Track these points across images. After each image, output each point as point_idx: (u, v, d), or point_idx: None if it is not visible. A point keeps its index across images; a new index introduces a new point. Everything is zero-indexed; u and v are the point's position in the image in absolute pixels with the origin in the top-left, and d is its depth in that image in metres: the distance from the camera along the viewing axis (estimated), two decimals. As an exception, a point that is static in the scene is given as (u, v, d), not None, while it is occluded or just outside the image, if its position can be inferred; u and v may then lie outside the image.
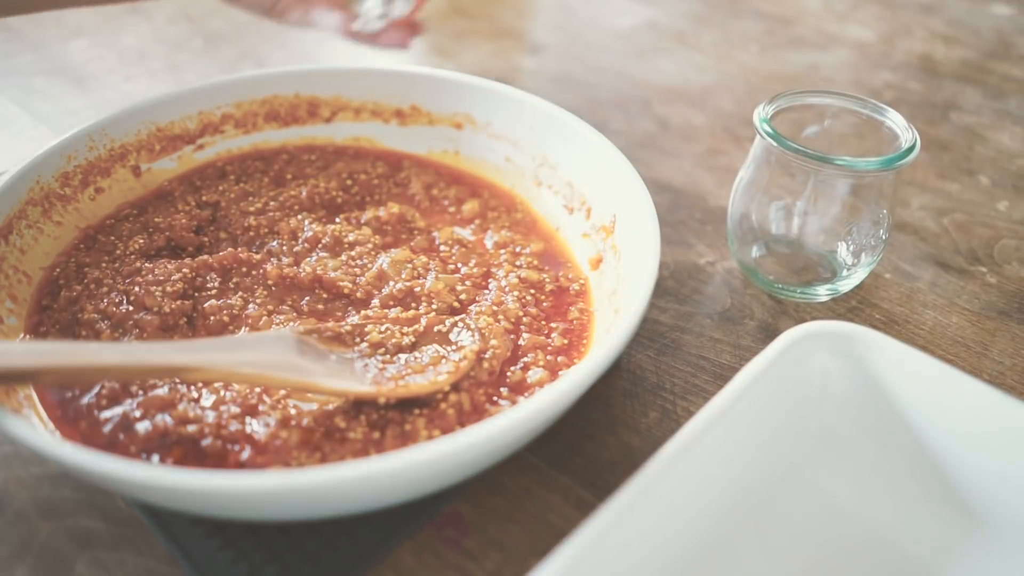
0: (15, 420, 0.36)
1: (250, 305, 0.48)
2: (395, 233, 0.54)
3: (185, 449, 0.40)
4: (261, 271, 0.51)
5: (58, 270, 0.50)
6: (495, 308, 0.48)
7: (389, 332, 0.45)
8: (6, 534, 0.40)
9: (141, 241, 0.52)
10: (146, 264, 0.50)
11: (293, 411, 0.42)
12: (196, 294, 0.49)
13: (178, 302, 0.48)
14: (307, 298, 0.49)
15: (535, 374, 0.44)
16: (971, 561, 0.38)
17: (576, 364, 0.45)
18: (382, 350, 0.44)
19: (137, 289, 0.48)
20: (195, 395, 0.43)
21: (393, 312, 0.47)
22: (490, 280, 0.51)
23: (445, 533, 0.40)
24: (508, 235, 0.54)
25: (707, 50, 0.86)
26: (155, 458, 0.40)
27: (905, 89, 0.78)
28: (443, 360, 0.44)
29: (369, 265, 0.51)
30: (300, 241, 0.53)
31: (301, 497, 0.34)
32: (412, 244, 0.54)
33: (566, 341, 0.47)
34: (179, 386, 0.43)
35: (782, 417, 0.42)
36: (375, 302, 0.49)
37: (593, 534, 0.34)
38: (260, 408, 0.42)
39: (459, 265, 0.52)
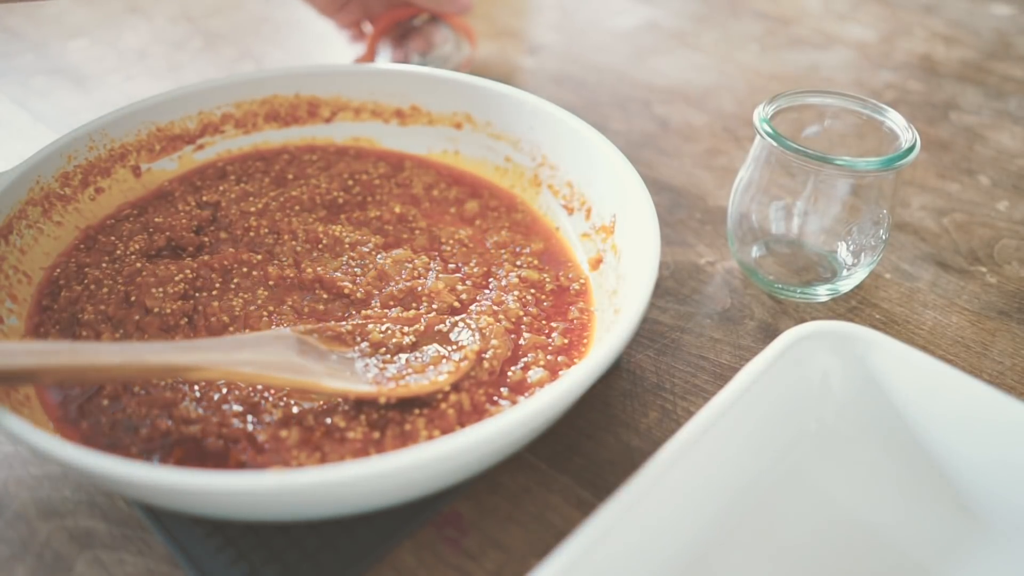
0: (15, 420, 0.36)
1: (250, 306, 0.48)
2: (396, 233, 0.54)
3: (186, 449, 0.40)
4: (262, 271, 0.51)
5: (58, 270, 0.50)
6: (495, 308, 0.48)
7: (390, 332, 0.45)
8: (6, 534, 0.40)
9: (141, 241, 0.52)
10: (147, 264, 0.50)
11: (296, 410, 0.42)
12: (197, 295, 0.49)
13: (179, 303, 0.48)
14: (307, 298, 0.49)
15: (535, 374, 0.44)
16: (971, 561, 0.38)
17: (576, 364, 0.45)
18: (383, 350, 0.44)
19: (138, 290, 0.48)
20: (197, 394, 0.43)
21: (394, 312, 0.47)
22: (490, 280, 0.51)
23: (445, 533, 0.40)
24: (508, 235, 0.54)
25: (707, 50, 0.86)
26: (156, 458, 0.40)
27: (905, 89, 0.78)
28: (444, 360, 0.44)
29: (370, 265, 0.51)
30: (300, 241, 0.53)
31: (301, 497, 0.34)
32: (413, 243, 0.54)
33: (566, 341, 0.47)
34: (181, 386, 0.43)
35: (782, 417, 0.42)
36: (375, 302, 0.49)
37: (593, 534, 0.34)
38: (262, 405, 0.42)
39: (460, 264, 0.52)
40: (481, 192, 0.59)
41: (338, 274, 0.50)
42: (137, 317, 0.47)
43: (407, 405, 0.42)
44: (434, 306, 0.48)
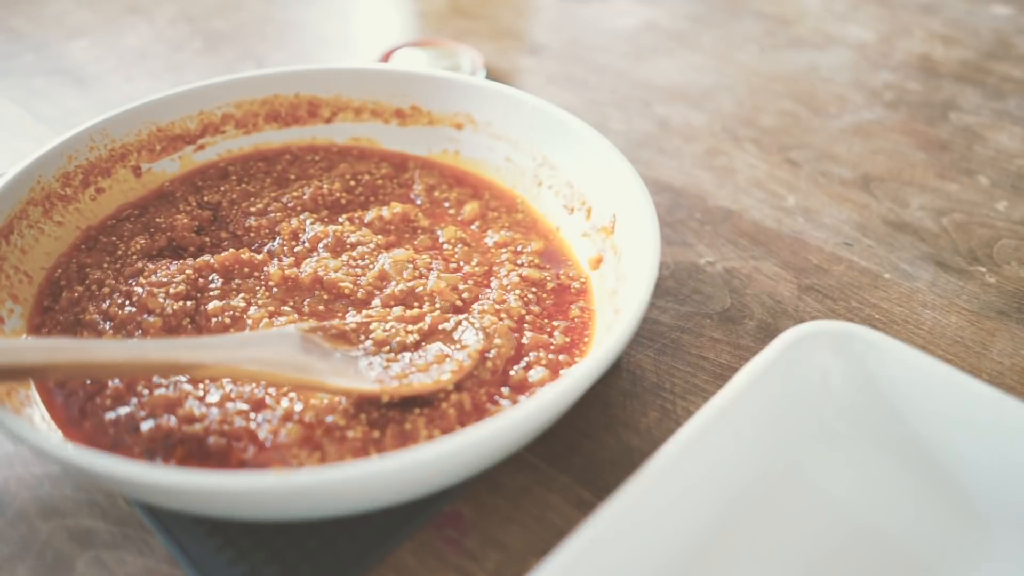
0: (16, 420, 0.36)
1: (251, 307, 0.49)
2: (398, 233, 0.54)
3: (188, 448, 0.40)
4: (263, 272, 0.51)
5: (59, 271, 0.51)
6: (497, 307, 0.48)
7: (394, 330, 0.45)
8: (6, 534, 0.40)
9: (142, 242, 0.52)
10: (148, 265, 0.50)
11: (299, 407, 0.42)
12: (199, 295, 0.49)
13: (180, 303, 0.48)
14: (308, 299, 0.49)
15: (537, 373, 0.44)
16: (970, 560, 0.38)
17: (577, 362, 0.46)
18: (386, 348, 0.45)
19: (139, 290, 0.48)
20: (200, 393, 0.43)
21: (397, 310, 0.47)
22: (492, 279, 0.51)
23: (445, 533, 0.40)
24: (508, 235, 0.55)
25: (707, 50, 0.86)
26: (158, 458, 0.40)
27: (905, 89, 0.78)
28: (447, 359, 0.44)
29: (370, 265, 0.51)
30: (302, 241, 0.53)
31: (301, 497, 0.34)
32: (415, 243, 0.54)
33: (568, 339, 0.47)
34: (184, 385, 0.43)
35: (782, 417, 0.42)
36: (376, 302, 0.49)
37: (593, 534, 0.34)
38: (267, 401, 0.42)
39: (461, 264, 0.52)
40: (482, 193, 0.59)
41: (338, 275, 0.50)
42: (139, 318, 0.47)
43: (408, 404, 0.42)
44: (437, 305, 0.48)
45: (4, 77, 0.80)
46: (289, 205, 0.56)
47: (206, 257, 0.51)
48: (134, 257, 0.51)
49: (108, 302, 0.48)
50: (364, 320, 0.46)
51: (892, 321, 0.53)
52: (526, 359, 0.46)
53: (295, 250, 0.52)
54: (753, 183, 0.65)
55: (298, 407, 0.42)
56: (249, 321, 0.48)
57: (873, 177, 0.66)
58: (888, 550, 0.39)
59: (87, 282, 0.49)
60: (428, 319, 0.46)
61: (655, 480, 0.36)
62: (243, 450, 0.40)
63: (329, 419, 0.41)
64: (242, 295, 0.49)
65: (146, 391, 0.43)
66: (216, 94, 0.60)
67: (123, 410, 0.42)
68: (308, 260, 0.51)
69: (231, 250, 0.52)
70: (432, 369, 0.43)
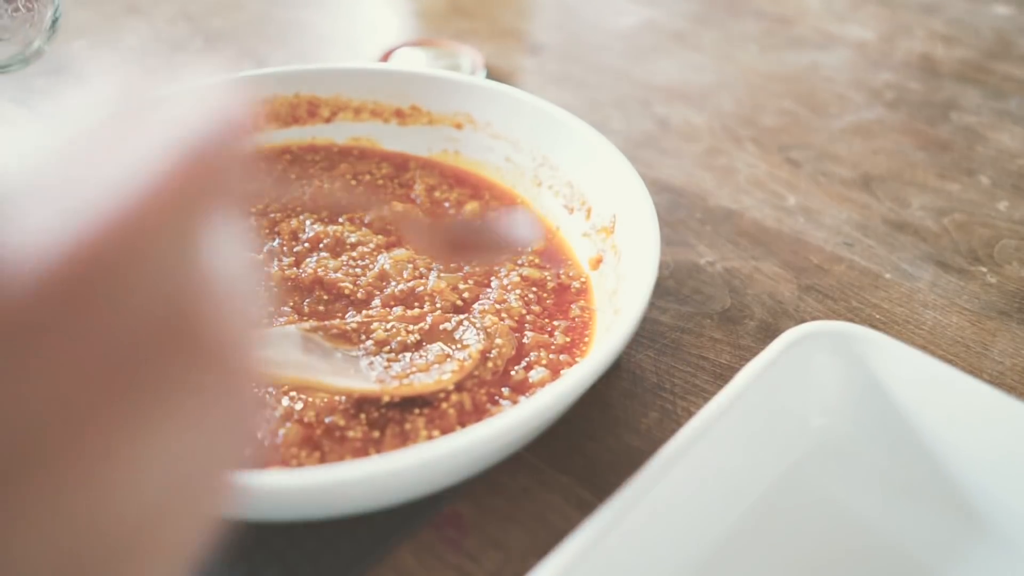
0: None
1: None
2: (398, 232, 0.54)
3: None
4: (262, 273, 0.51)
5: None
6: (498, 306, 0.48)
7: (395, 330, 0.45)
8: (6, 534, 0.40)
9: None
10: None
11: (298, 406, 0.42)
12: None
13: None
14: (308, 300, 0.49)
15: (537, 373, 0.44)
16: (970, 561, 0.38)
17: (578, 362, 0.46)
18: (387, 348, 0.44)
19: None
20: None
21: (398, 310, 0.47)
22: (492, 278, 0.51)
23: (445, 533, 0.40)
24: (508, 235, 0.55)
25: (707, 50, 0.86)
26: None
27: (905, 89, 0.78)
28: (448, 358, 0.44)
29: (370, 266, 0.51)
30: (301, 242, 0.53)
31: (301, 497, 0.34)
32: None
33: (568, 339, 0.47)
34: None
35: (782, 417, 0.42)
36: (376, 302, 0.49)
37: (593, 534, 0.34)
38: (267, 400, 0.42)
39: (461, 263, 0.52)
40: (483, 194, 0.59)
41: (338, 275, 0.50)
42: None
43: (408, 404, 0.42)
44: (438, 305, 0.48)
45: (3, 77, 0.80)
46: (289, 206, 0.56)
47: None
48: None
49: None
50: (365, 320, 0.46)
51: (893, 321, 0.53)
52: (527, 359, 0.45)
53: (295, 250, 0.52)
54: (753, 183, 0.65)
55: (298, 406, 0.42)
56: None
57: (874, 177, 0.66)
58: (888, 550, 0.39)
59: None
60: (429, 319, 0.46)
61: (655, 481, 0.36)
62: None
63: (329, 419, 0.41)
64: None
65: None
66: (216, 94, 0.59)
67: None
68: (307, 260, 0.51)
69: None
70: (433, 369, 0.43)
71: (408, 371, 0.43)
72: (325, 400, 0.42)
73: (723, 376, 0.48)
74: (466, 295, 0.49)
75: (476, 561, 0.39)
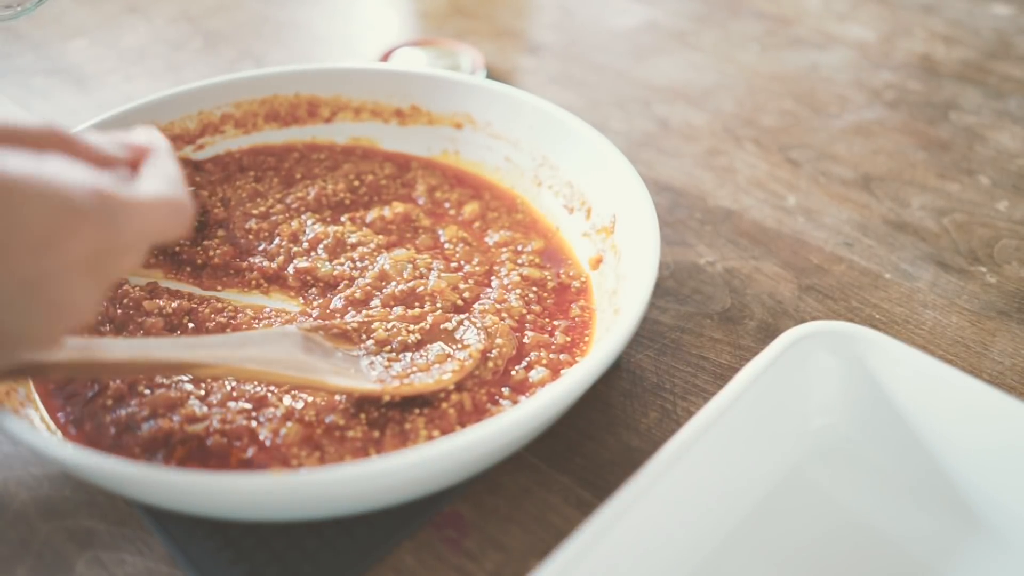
0: (15, 420, 0.36)
1: (249, 308, 0.49)
2: (400, 232, 0.54)
3: (188, 448, 0.40)
4: (262, 272, 0.51)
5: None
6: (498, 306, 0.48)
7: (395, 329, 0.45)
8: (6, 534, 0.40)
9: None
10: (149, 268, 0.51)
11: (299, 405, 0.42)
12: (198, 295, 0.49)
13: (179, 302, 0.48)
14: (306, 292, 0.50)
15: (538, 373, 0.44)
16: (970, 561, 0.38)
17: (578, 362, 0.46)
18: (388, 348, 0.45)
19: (135, 294, 0.48)
20: (202, 392, 0.43)
21: (399, 310, 0.47)
22: (492, 278, 0.51)
23: (445, 533, 0.40)
24: (508, 235, 0.54)
25: (707, 50, 0.86)
26: (158, 458, 0.40)
27: (905, 89, 0.78)
28: (448, 358, 0.44)
29: (370, 265, 0.51)
30: (302, 242, 0.53)
31: (301, 497, 0.34)
32: (417, 243, 0.54)
33: (569, 339, 0.47)
34: (185, 384, 0.43)
35: (782, 417, 0.42)
36: (376, 302, 0.49)
37: (593, 534, 0.34)
38: (269, 399, 0.42)
39: (462, 263, 0.52)
40: (483, 194, 0.59)
41: (337, 272, 0.50)
42: (140, 319, 0.47)
43: (408, 404, 0.42)
44: (438, 305, 0.48)
45: (3, 76, 0.80)
46: (293, 206, 0.56)
47: (200, 260, 0.51)
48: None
49: (108, 302, 0.48)
50: (365, 320, 0.46)
51: (892, 321, 0.53)
52: (527, 359, 0.45)
53: (292, 251, 0.52)
54: (753, 183, 0.65)
55: (299, 405, 0.42)
56: (249, 321, 0.48)
57: (874, 177, 0.66)
58: (888, 550, 0.39)
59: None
60: (430, 319, 0.46)
61: (655, 481, 0.36)
62: (243, 450, 0.40)
63: (329, 419, 0.41)
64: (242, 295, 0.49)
65: (148, 391, 0.43)
66: (215, 94, 0.60)
67: (124, 410, 0.42)
68: (306, 260, 0.51)
69: (228, 248, 0.52)
70: (433, 368, 0.43)
71: (409, 371, 0.43)
72: (325, 400, 0.42)
73: (723, 376, 0.48)
74: (466, 295, 0.49)
75: (476, 561, 0.39)
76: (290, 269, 0.51)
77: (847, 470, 0.41)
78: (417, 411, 0.42)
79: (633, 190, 0.48)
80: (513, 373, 0.45)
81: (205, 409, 0.42)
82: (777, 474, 0.41)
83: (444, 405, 0.42)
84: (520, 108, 0.58)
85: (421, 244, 0.53)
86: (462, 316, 0.47)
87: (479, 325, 0.46)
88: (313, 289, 0.50)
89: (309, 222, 0.54)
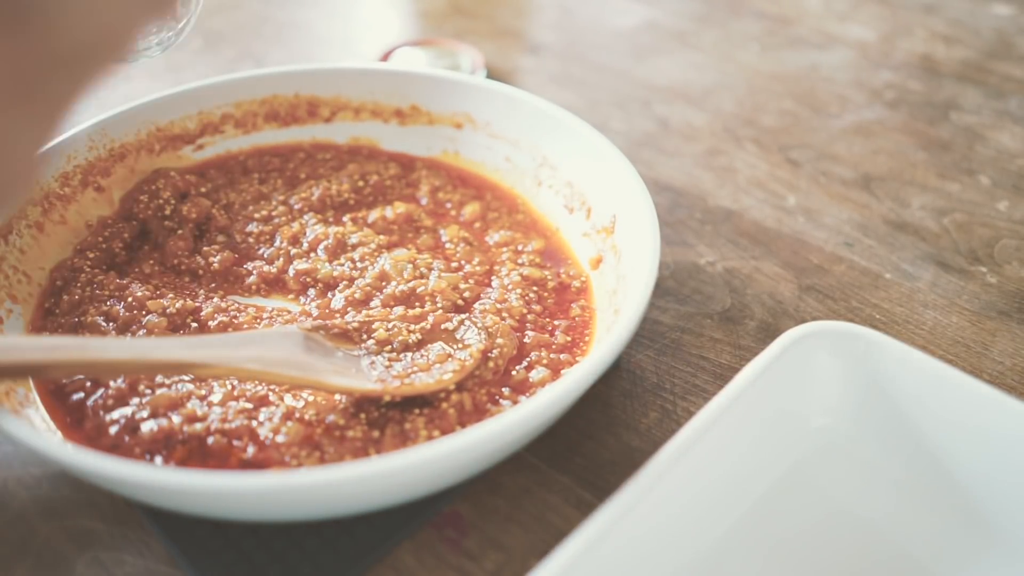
0: (15, 421, 0.36)
1: (251, 308, 0.49)
2: (401, 232, 0.54)
3: (188, 448, 0.40)
4: (262, 273, 0.51)
5: (59, 272, 0.50)
6: (499, 306, 0.48)
7: (396, 329, 0.45)
8: (5, 534, 0.40)
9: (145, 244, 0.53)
10: (150, 268, 0.51)
11: (300, 404, 0.42)
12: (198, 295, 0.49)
13: (181, 302, 0.48)
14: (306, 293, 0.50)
15: (538, 373, 0.44)
16: (971, 561, 0.38)
17: (578, 362, 0.46)
18: (388, 347, 0.44)
19: (139, 291, 0.48)
20: (203, 392, 0.43)
21: (399, 309, 0.47)
22: (493, 278, 0.51)
23: (445, 533, 0.40)
24: (509, 234, 0.54)
25: (707, 50, 0.86)
26: (158, 458, 0.40)
27: (905, 89, 0.78)
28: (449, 358, 0.44)
29: (371, 266, 0.51)
30: (302, 244, 0.53)
31: (301, 497, 0.34)
32: (418, 242, 0.54)
33: (569, 338, 0.47)
34: (186, 384, 0.43)
35: (782, 417, 0.42)
36: (376, 302, 0.49)
37: (593, 534, 0.34)
38: (270, 398, 0.42)
39: (462, 263, 0.52)
40: (484, 194, 0.58)
41: (336, 273, 0.50)
42: (142, 318, 0.47)
43: (408, 404, 0.42)
44: (439, 304, 0.48)
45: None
46: (296, 207, 0.56)
47: (199, 259, 0.51)
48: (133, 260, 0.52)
49: (109, 303, 0.48)
50: (366, 319, 0.46)
51: (893, 321, 0.53)
52: (528, 359, 0.45)
53: (292, 253, 0.52)
54: (753, 183, 0.65)
55: (299, 404, 0.42)
56: (250, 321, 0.48)
57: (874, 177, 0.66)
58: (888, 549, 0.39)
59: (88, 283, 0.49)
60: (430, 318, 0.46)
61: (655, 481, 0.36)
62: (243, 450, 0.40)
63: (329, 418, 0.41)
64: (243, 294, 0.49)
65: (148, 391, 0.43)
66: (215, 94, 0.60)
67: (124, 410, 0.42)
68: (305, 260, 0.51)
69: (228, 252, 0.52)
70: (434, 368, 0.43)
71: (409, 370, 0.43)
72: (325, 399, 0.42)
73: (723, 376, 0.48)
74: (467, 295, 0.49)
75: (476, 561, 0.39)
76: (290, 271, 0.51)
77: (847, 470, 0.41)
78: (417, 411, 0.42)
79: (633, 190, 0.48)
80: (514, 373, 0.45)
81: (205, 409, 0.42)
82: (777, 474, 0.41)
83: (444, 405, 0.42)
84: (520, 108, 0.58)
85: (422, 244, 0.53)
86: (463, 316, 0.47)
87: (480, 325, 0.46)
88: (312, 291, 0.50)
89: (311, 223, 0.54)
